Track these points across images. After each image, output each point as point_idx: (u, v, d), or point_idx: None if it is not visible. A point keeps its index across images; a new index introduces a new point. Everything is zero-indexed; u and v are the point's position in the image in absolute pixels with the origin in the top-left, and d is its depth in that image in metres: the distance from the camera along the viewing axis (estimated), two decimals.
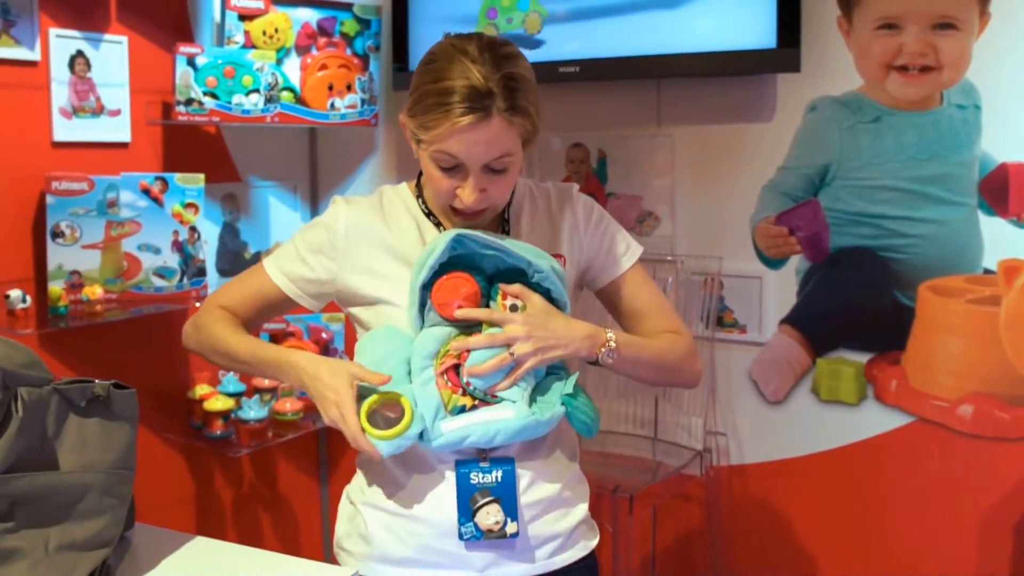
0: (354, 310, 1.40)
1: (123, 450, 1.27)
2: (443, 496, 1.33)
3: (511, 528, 1.31)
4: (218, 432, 2.49)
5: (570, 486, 1.41)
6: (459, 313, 1.27)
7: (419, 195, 1.42)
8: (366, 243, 1.37)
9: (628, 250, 1.45)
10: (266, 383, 2.58)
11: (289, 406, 2.57)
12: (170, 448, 2.56)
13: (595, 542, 1.45)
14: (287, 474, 2.88)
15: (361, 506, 1.41)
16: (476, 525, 1.31)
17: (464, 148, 1.25)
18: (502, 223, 1.41)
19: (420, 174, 1.41)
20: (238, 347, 1.38)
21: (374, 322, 1.37)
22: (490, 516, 1.31)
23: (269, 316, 1.46)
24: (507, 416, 1.26)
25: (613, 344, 1.31)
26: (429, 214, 1.40)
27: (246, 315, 1.43)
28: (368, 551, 1.39)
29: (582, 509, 1.43)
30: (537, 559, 1.36)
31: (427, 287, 1.29)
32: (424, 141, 1.28)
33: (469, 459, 1.32)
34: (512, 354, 1.25)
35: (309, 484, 2.95)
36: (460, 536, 1.31)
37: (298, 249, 1.39)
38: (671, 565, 2.51)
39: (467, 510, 1.31)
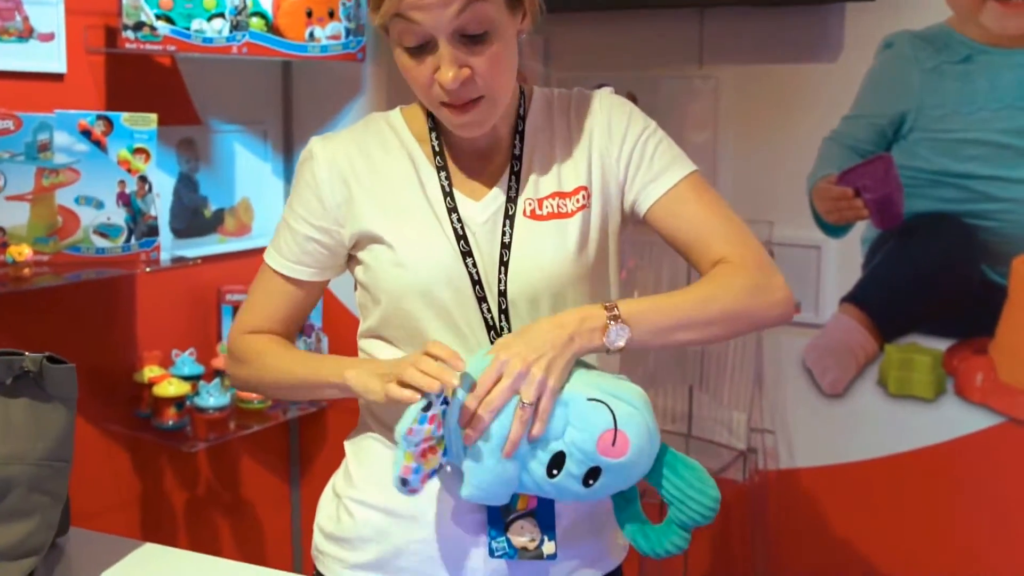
0: (357, 269, 1.39)
1: (58, 438, 1.25)
2: (460, 500, 1.29)
3: (548, 548, 1.28)
4: (170, 422, 2.49)
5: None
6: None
7: (429, 112, 1.37)
8: (351, 182, 1.35)
9: (673, 163, 1.37)
10: None
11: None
12: (112, 441, 2.55)
13: (622, 556, 1.46)
14: (252, 472, 2.89)
15: (349, 502, 1.39)
16: (509, 541, 1.28)
17: (418, 6, 1.19)
18: (512, 148, 1.36)
19: None
20: (294, 372, 1.37)
21: (370, 273, 1.34)
22: (525, 532, 1.28)
23: (307, 312, 1.46)
24: None
25: (618, 314, 1.22)
26: (436, 134, 1.36)
27: (279, 328, 1.43)
28: (354, 558, 1.37)
29: (613, 520, 1.41)
30: None
31: None
32: (386, 27, 1.24)
33: None
34: (519, 395, 1.17)
35: (277, 484, 2.96)
36: (491, 552, 1.29)
37: (292, 226, 1.39)
38: None
39: (499, 522, 1.28)
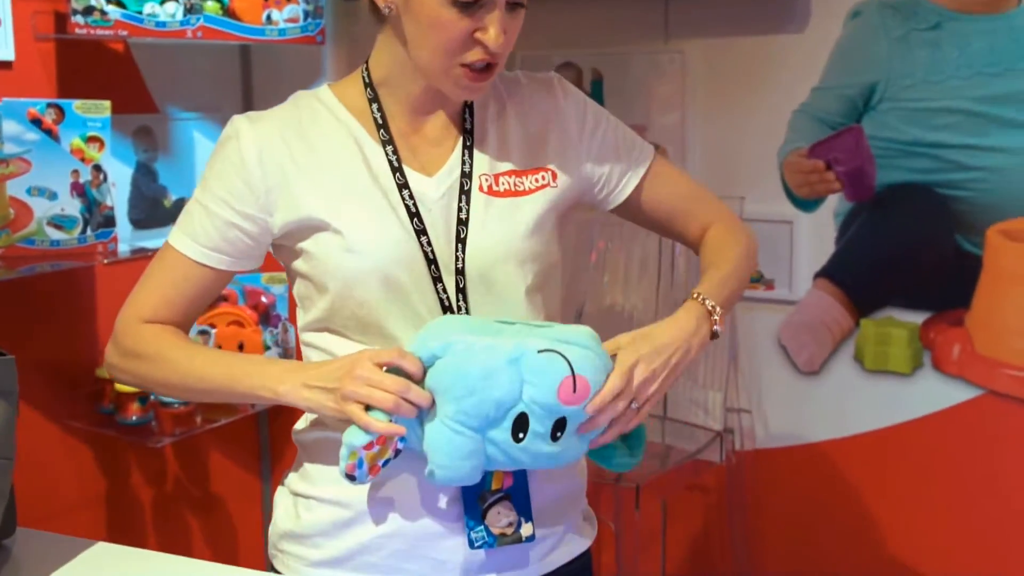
0: (296, 261, 1.32)
1: None
2: (427, 489, 1.26)
3: (526, 530, 1.26)
4: (133, 418, 2.44)
5: (571, 474, 1.38)
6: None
7: (368, 83, 1.33)
8: (287, 166, 1.29)
9: (638, 146, 1.43)
10: None
11: None
12: (73, 438, 2.49)
13: (592, 537, 1.44)
14: (220, 468, 2.86)
15: (308, 499, 1.34)
16: (487, 529, 1.24)
17: None
18: (463, 127, 1.33)
19: (365, 65, 1.35)
20: (206, 374, 1.28)
21: (314, 262, 1.29)
22: (502, 517, 1.25)
23: (207, 303, 1.38)
24: None
25: (713, 306, 1.31)
26: (376, 105, 1.32)
27: (179, 318, 1.33)
28: (316, 555, 1.32)
29: (582, 499, 1.43)
30: (529, 562, 1.32)
31: None
32: None
33: None
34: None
35: (248, 479, 2.93)
36: (470, 544, 1.25)
37: (212, 210, 1.30)
38: (684, 569, 2.52)
39: (476, 510, 1.24)
